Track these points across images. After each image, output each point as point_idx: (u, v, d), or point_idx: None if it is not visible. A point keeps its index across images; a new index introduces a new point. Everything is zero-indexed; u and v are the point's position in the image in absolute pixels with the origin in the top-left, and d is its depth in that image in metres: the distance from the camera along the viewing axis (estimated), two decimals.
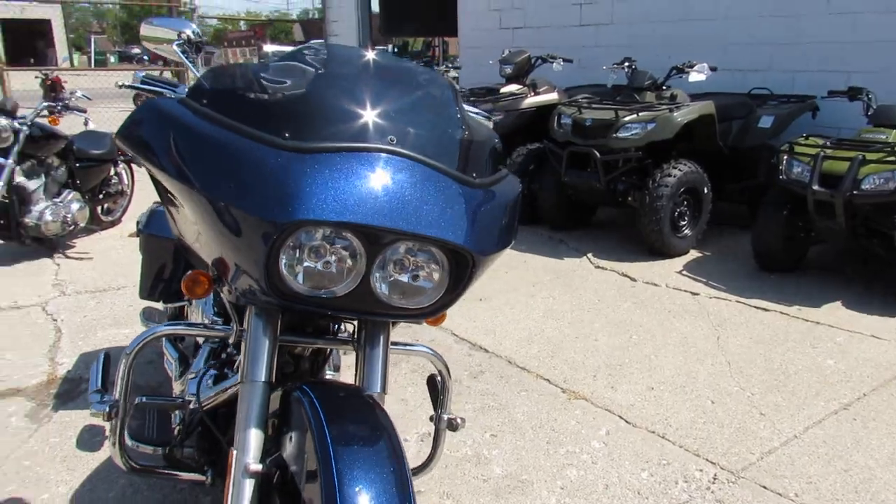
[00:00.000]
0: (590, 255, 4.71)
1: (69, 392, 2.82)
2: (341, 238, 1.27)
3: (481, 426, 2.58)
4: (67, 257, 4.63)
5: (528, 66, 5.77)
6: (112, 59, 42.47)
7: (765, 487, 2.21)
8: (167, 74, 10.05)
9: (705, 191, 4.65)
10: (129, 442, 1.66)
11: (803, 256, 4.26)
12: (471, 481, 2.25)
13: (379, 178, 1.25)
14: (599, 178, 4.59)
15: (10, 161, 4.17)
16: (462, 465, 2.34)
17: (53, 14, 35.89)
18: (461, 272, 1.36)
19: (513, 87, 5.64)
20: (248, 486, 1.30)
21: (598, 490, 2.20)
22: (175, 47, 1.55)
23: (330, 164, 1.23)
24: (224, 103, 1.31)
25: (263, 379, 1.42)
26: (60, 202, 4.62)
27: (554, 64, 5.77)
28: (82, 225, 4.85)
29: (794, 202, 3.97)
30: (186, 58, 1.60)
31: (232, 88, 1.33)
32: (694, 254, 4.70)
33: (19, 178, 4.36)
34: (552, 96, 5.50)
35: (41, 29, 36.97)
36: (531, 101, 5.47)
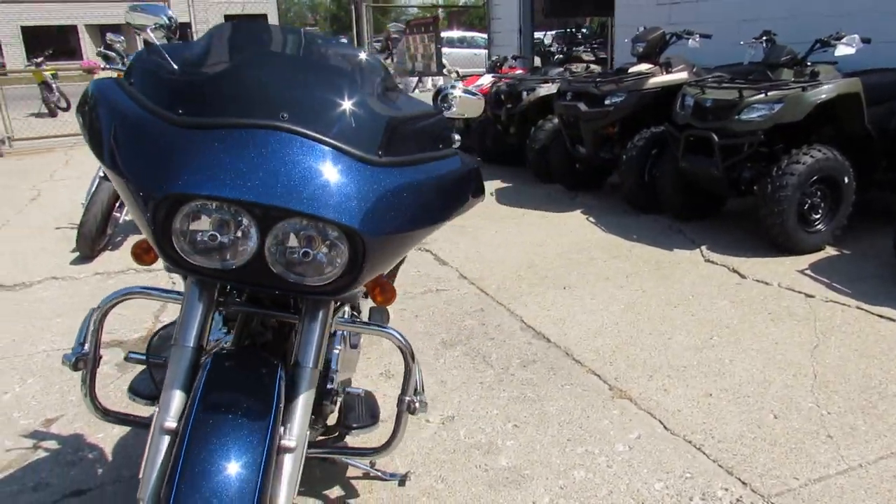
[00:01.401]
0: (704, 247, 4.33)
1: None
2: (229, 212, 1.30)
3: (508, 416, 2.51)
4: None
5: (662, 44, 5.39)
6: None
7: None
8: None
9: (846, 181, 4.07)
10: (128, 395, 1.84)
11: None
12: (471, 469, 2.21)
13: (260, 154, 1.27)
14: (718, 165, 4.21)
15: None
16: (470, 451, 2.30)
17: (270, 9, 39.49)
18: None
19: (642, 67, 5.31)
20: (164, 442, 1.38)
21: (598, 496, 2.06)
22: (150, 32, 1.67)
23: (213, 139, 1.27)
24: (144, 82, 1.40)
25: (191, 344, 1.49)
26: None
27: (690, 41, 5.34)
28: None
29: None
30: (167, 41, 1.72)
31: (151, 69, 1.41)
32: (829, 251, 4.15)
33: None
34: (681, 76, 5.10)
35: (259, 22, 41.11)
36: (656, 80, 5.11)
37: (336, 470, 2.19)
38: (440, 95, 2.04)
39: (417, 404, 1.82)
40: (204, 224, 1.31)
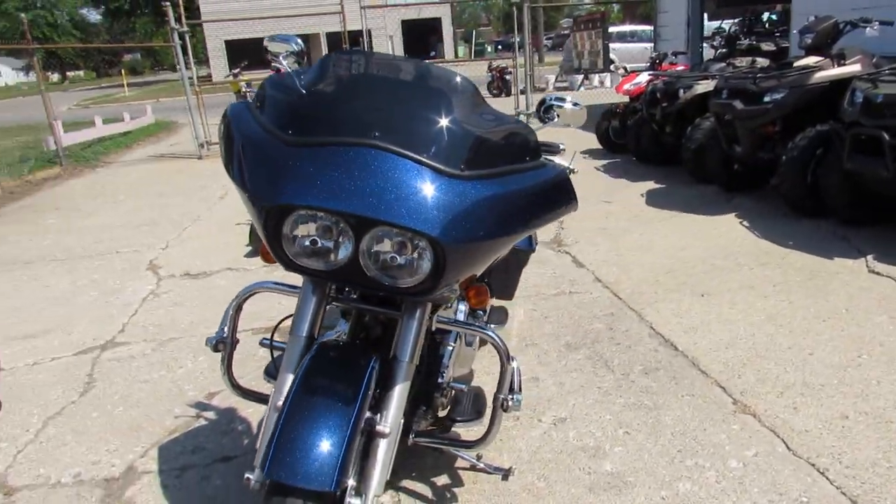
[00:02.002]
0: (870, 256, 3.96)
1: None
2: (328, 220, 1.48)
3: (620, 422, 2.51)
4: None
5: (834, 34, 4.97)
6: (489, 48, 46.91)
7: None
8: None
9: None
10: (263, 376, 2.11)
11: None
12: (574, 471, 2.25)
13: (353, 169, 1.43)
14: (889, 166, 3.83)
15: None
16: (576, 454, 2.34)
17: (444, 12, 40.86)
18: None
19: (810, 60, 4.92)
20: (274, 418, 1.59)
21: None
22: (282, 59, 1.90)
23: (315, 156, 1.45)
24: (266, 106, 1.62)
25: (303, 334, 1.71)
26: None
27: (867, 29, 4.87)
28: None
29: None
30: (298, 65, 1.95)
31: (272, 94, 1.63)
32: None
33: None
34: (853, 69, 4.66)
35: (434, 26, 42.67)
36: (823, 75, 4.71)
37: (445, 460, 2.33)
38: (543, 107, 2.11)
39: (511, 402, 1.91)
40: (307, 230, 1.50)
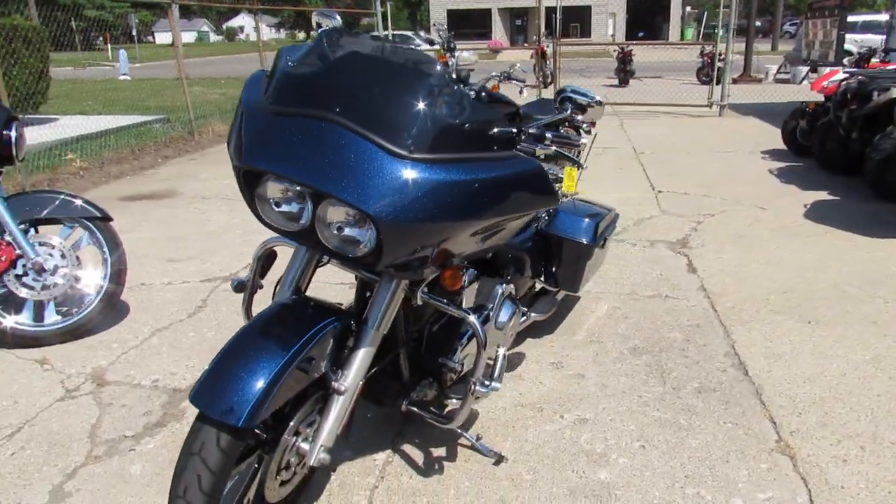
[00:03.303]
0: None
1: None
2: (292, 185, 1.60)
3: (642, 434, 2.40)
4: None
5: None
6: (721, 32, 43.64)
7: None
8: None
9: None
10: None
11: None
12: (566, 472, 2.22)
13: (312, 139, 1.54)
14: None
15: None
16: (578, 456, 2.30)
17: None
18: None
19: None
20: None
21: None
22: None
23: (283, 125, 1.59)
24: (271, 76, 1.77)
25: (287, 287, 1.89)
26: None
27: None
28: None
29: None
30: None
31: (275, 64, 1.77)
32: None
33: None
34: None
35: (664, 5, 40.78)
36: None
37: (451, 434, 2.39)
38: (560, 97, 2.06)
39: (478, 387, 1.94)
40: (275, 193, 1.64)
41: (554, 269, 2.95)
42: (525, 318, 2.78)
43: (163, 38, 54.38)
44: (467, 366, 2.16)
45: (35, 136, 7.57)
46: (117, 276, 3.31)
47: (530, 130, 1.96)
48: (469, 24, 36.72)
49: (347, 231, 1.59)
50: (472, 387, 1.96)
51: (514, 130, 1.70)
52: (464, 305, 2.22)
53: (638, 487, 2.13)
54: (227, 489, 1.67)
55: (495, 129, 1.66)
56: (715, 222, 4.96)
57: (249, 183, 1.65)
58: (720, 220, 5.02)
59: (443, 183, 1.54)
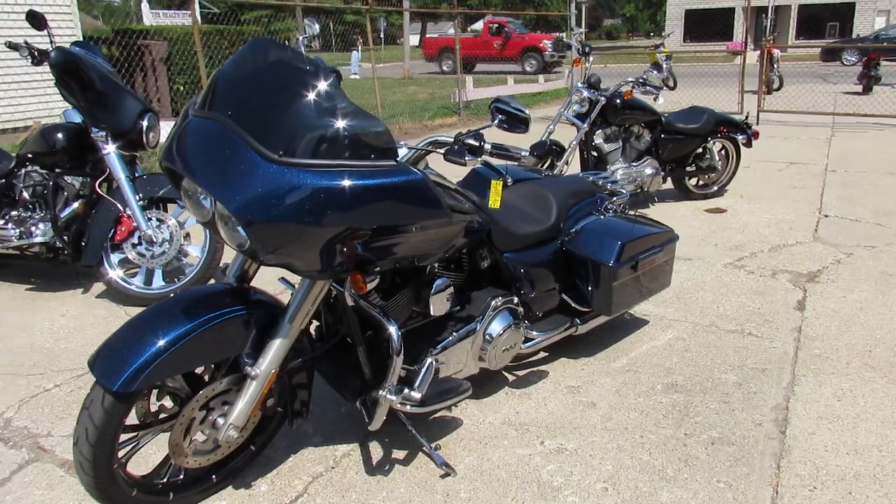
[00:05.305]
0: None
1: None
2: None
3: (612, 477, 2.21)
4: None
5: None
6: None
7: None
8: None
9: None
10: None
11: None
12: (506, 501, 2.12)
13: (202, 138, 1.68)
14: None
15: (585, 125, 5.10)
16: (529, 486, 2.18)
17: None
18: None
19: None
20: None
21: None
22: (300, 38, 2.17)
23: (189, 124, 1.73)
24: None
25: (228, 274, 2.06)
26: (635, 165, 5.30)
27: None
28: (653, 190, 5.39)
29: None
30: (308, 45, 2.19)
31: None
32: None
33: (599, 140, 5.26)
34: None
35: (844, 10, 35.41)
36: None
37: (415, 440, 2.39)
38: (492, 105, 1.97)
39: (388, 393, 1.95)
40: (193, 187, 1.80)
41: (582, 288, 2.79)
42: (537, 338, 2.68)
43: (413, 40, 58.85)
44: (396, 372, 2.15)
45: None
46: (213, 252, 3.74)
47: (467, 140, 1.90)
48: (708, 25, 34.42)
49: (230, 225, 1.69)
50: (383, 392, 1.96)
51: (393, 143, 1.68)
52: (432, 313, 2.22)
53: None
54: (134, 446, 1.89)
55: (372, 139, 1.65)
56: (868, 256, 4.24)
57: (174, 179, 1.82)
58: (875, 254, 4.29)
59: (309, 187, 1.58)
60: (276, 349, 1.92)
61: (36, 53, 3.56)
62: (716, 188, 5.83)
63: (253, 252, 1.66)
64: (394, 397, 1.99)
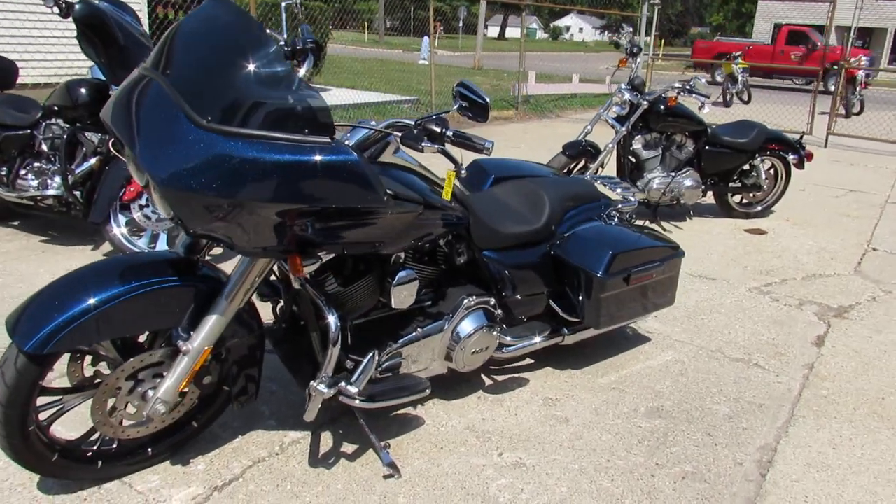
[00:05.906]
0: None
1: None
2: None
3: (567, 501, 2.07)
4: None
5: None
6: None
7: None
8: None
9: None
10: None
11: None
12: None
13: (140, 94, 1.61)
14: None
15: (624, 128, 4.87)
16: (472, 499, 2.06)
17: None
18: None
19: None
20: None
21: None
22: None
23: (132, 82, 1.67)
24: None
25: (183, 245, 1.99)
26: (674, 176, 5.05)
27: None
28: (690, 203, 5.14)
29: None
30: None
31: None
32: None
33: (637, 146, 5.02)
34: None
35: None
36: None
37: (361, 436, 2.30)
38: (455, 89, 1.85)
39: (318, 384, 1.86)
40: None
41: (572, 297, 2.63)
42: (516, 343, 2.54)
43: (492, 31, 58.48)
44: (332, 363, 2.04)
45: None
46: None
47: (428, 125, 1.78)
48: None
49: (157, 191, 1.62)
50: (314, 383, 1.87)
51: (330, 119, 1.57)
52: (393, 305, 2.12)
53: None
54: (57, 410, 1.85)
55: (307, 113, 1.54)
56: None
57: (117, 137, 1.76)
58: None
59: (232, 157, 1.49)
60: (210, 326, 1.85)
61: (63, 5, 3.59)
62: (760, 208, 5.52)
63: (179, 220, 1.59)
64: (325, 389, 1.90)
